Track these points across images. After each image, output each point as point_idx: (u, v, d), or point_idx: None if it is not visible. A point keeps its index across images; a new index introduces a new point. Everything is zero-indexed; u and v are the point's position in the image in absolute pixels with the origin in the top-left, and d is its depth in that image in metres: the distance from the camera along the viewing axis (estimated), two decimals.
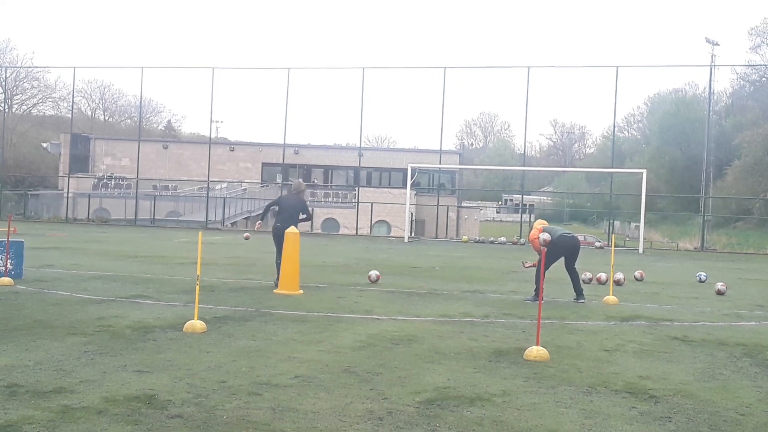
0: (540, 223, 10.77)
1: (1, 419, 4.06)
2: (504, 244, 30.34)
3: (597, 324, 8.44)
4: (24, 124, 53.79)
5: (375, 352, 6.32)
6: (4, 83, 52.96)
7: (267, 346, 6.40)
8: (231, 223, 37.75)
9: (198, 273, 7.28)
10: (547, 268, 10.41)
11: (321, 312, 8.54)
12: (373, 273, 12.22)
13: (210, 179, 37.66)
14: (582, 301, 10.41)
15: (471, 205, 53.38)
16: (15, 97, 57.46)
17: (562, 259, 10.53)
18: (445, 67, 34.29)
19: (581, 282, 10.80)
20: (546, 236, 10.25)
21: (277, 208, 11.56)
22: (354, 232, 35.59)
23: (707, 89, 35.49)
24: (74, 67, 40.02)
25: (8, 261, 10.56)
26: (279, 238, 10.84)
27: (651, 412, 4.71)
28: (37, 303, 8.54)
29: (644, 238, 28.92)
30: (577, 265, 10.65)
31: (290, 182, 43.18)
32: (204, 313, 7.69)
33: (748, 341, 7.53)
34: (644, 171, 29.81)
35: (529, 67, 33.04)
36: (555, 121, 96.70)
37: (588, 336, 7.55)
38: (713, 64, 36.05)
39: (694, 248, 31.40)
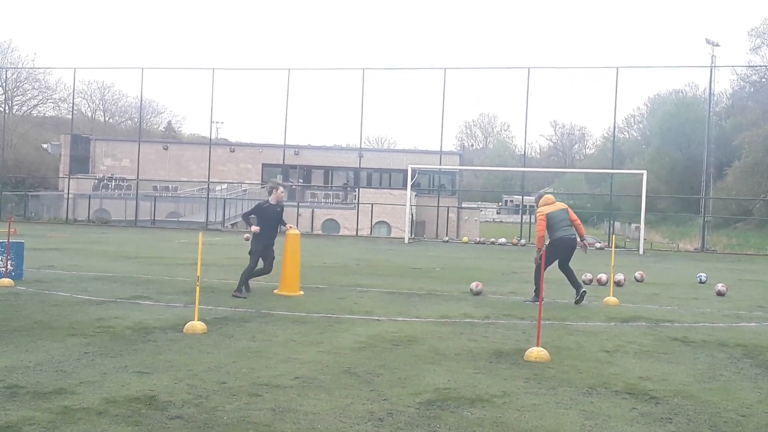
0: (545, 204, 10.26)
1: (2, 420, 4.06)
2: (504, 245, 30.34)
3: (597, 325, 8.43)
4: (24, 125, 53.80)
5: (375, 353, 6.32)
6: (4, 84, 53.03)
7: (267, 347, 6.40)
8: (231, 224, 37.75)
9: (198, 274, 7.28)
10: (545, 268, 10.30)
11: (321, 313, 8.54)
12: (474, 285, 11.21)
13: (210, 180, 37.67)
14: (583, 290, 10.18)
15: (471, 205, 53.40)
16: (15, 98, 57.57)
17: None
18: (445, 68, 34.34)
19: (578, 281, 10.44)
20: (537, 257, 10.11)
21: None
22: (354, 233, 35.59)
23: (707, 90, 35.56)
24: (74, 68, 40.08)
25: (8, 262, 10.56)
26: None
27: (651, 413, 4.71)
28: (37, 304, 8.54)
29: (644, 239, 28.93)
30: (577, 267, 10.62)
31: (290, 183, 43.23)
32: (204, 314, 7.68)
33: (748, 342, 7.53)
34: (644, 172, 29.82)
35: (529, 68, 33.11)
36: (555, 122, 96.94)
37: (588, 337, 7.55)
38: (713, 65, 36.04)
39: (695, 249, 31.40)
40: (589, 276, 13.38)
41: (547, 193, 10.56)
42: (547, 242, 10.26)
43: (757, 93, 54.79)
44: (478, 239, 33.89)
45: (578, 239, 10.51)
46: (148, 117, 67.92)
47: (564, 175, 73.24)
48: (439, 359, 6.15)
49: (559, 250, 10.22)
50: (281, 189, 10.60)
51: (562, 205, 10.41)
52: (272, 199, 10.40)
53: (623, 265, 17.57)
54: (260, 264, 10.24)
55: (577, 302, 10.20)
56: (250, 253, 10.24)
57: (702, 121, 39.67)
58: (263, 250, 10.18)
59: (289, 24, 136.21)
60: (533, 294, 10.40)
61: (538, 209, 10.38)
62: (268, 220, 10.24)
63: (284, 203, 11.08)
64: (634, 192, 39.06)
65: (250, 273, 10.09)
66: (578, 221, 10.39)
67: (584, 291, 10.26)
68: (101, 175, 43.82)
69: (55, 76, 72.92)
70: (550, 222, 10.17)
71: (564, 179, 74.45)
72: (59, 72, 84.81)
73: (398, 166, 41.87)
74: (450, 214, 39.22)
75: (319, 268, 14.70)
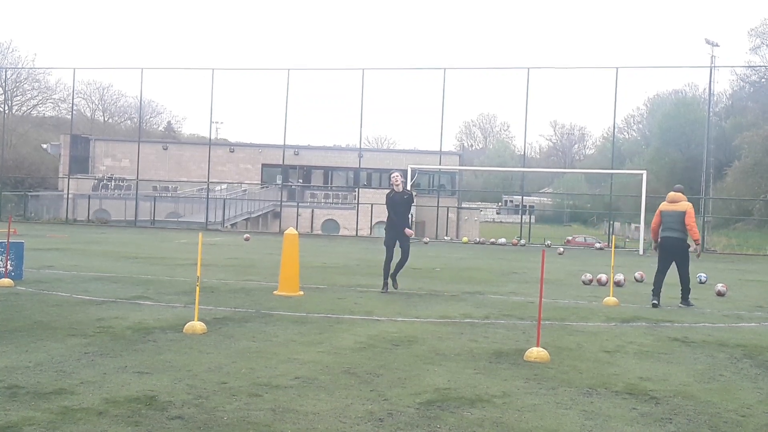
0: (667, 201, 10.45)
1: (2, 420, 4.06)
2: (504, 245, 30.34)
3: (597, 325, 8.43)
4: (24, 125, 53.81)
5: (375, 353, 6.32)
6: (4, 84, 53.02)
7: (267, 348, 6.40)
8: (231, 225, 37.75)
9: (198, 274, 7.28)
10: (659, 268, 10.47)
11: (321, 313, 8.54)
12: None
13: (210, 180, 37.67)
14: (681, 305, 10.32)
15: (471, 206, 53.40)
16: (15, 98, 57.56)
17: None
18: (444, 68, 34.34)
19: (684, 286, 10.45)
20: (652, 246, 10.70)
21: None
22: (354, 233, 35.58)
23: (707, 90, 35.56)
24: (74, 68, 40.10)
25: (8, 262, 10.56)
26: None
27: (651, 414, 4.71)
28: (37, 304, 8.53)
29: (644, 239, 28.91)
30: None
31: (290, 183, 43.20)
32: (204, 315, 7.68)
33: (748, 342, 7.53)
34: (644, 172, 29.82)
35: (528, 68, 33.09)
36: (555, 122, 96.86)
37: (588, 337, 7.55)
38: (713, 65, 36.05)
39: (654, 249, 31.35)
40: (589, 276, 13.40)
41: (675, 189, 10.66)
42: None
43: (756, 93, 54.79)
44: (477, 239, 33.89)
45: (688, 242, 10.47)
46: (148, 117, 67.94)
47: (564, 175, 73.26)
48: (439, 359, 6.15)
49: (661, 249, 10.48)
50: (394, 174, 11.14)
51: (682, 207, 10.32)
52: (395, 187, 10.95)
53: (623, 265, 17.56)
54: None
55: (680, 305, 10.35)
56: (384, 244, 11.01)
57: (702, 122, 39.68)
58: (396, 240, 10.87)
59: (289, 24, 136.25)
60: (686, 297, 10.42)
61: (660, 204, 10.69)
62: (394, 208, 10.88)
63: (408, 193, 11.22)
64: (634, 192, 39.08)
65: (386, 265, 10.82)
66: (690, 225, 10.26)
67: (681, 306, 10.28)
68: (101, 175, 43.83)
69: (54, 77, 73.03)
70: (661, 219, 10.45)
71: (564, 179, 74.46)
72: (59, 72, 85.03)
73: (398, 167, 41.81)
74: (450, 214, 39.22)
75: (319, 269, 14.70)
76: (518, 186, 50.23)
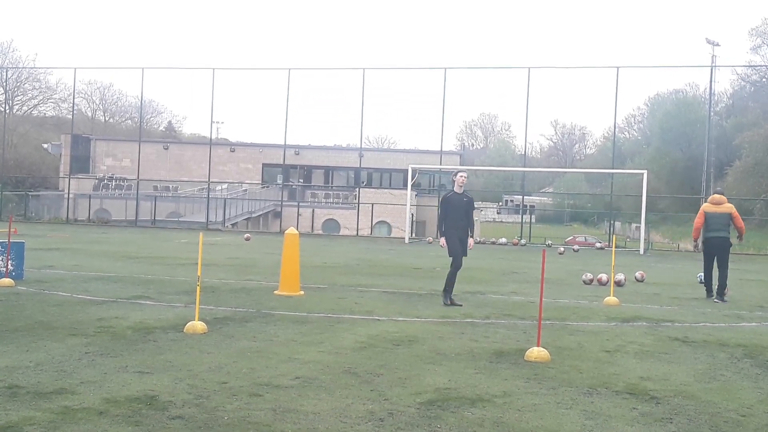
0: (711, 203, 11.25)
1: (2, 420, 4.06)
2: (505, 244, 30.33)
3: (598, 325, 8.43)
4: (25, 125, 53.85)
5: (376, 353, 6.32)
6: (5, 84, 53.04)
7: (268, 347, 6.40)
8: (232, 224, 37.76)
9: (199, 274, 7.28)
10: (705, 267, 11.47)
11: (322, 313, 8.54)
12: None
13: (211, 180, 37.67)
14: (716, 300, 10.97)
15: None
16: (16, 98, 57.61)
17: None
18: (445, 68, 34.30)
19: (722, 283, 11.06)
20: (693, 246, 11.58)
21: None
22: (355, 232, 35.59)
23: (708, 90, 35.61)
24: (75, 68, 40.08)
25: (9, 262, 10.56)
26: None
27: (652, 413, 4.70)
28: (37, 304, 8.54)
29: (645, 239, 28.91)
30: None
31: (291, 183, 43.18)
32: (205, 314, 7.68)
33: (748, 342, 7.53)
34: (645, 172, 29.80)
35: (529, 68, 33.05)
36: (555, 122, 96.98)
37: (589, 337, 7.55)
38: (714, 64, 36.08)
39: (695, 249, 31.35)
40: (589, 276, 13.39)
41: (717, 192, 11.69)
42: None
43: (757, 93, 54.83)
44: (478, 239, 33.91)
45: (730, 240, 11.36)
46: (149, 117, 67.97)
47: (564, 175, 73.26)
48: (440, 359, 6.15)
49: (707, 248, 11.33)
50: (461, 173, 9.83)
51: (726, 209, 11.18)
52: (456, 188, 9.76)
53: (624, 265, 17.55)
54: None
55: (715, 300, 11.04)
56: (449, 255, 9.76)
57: (702, 121, 39.71)
58: (459, 246, 9.66)
59: (289, 24, 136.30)
60: (721, 292, 11.08)
61: (703, 206, 11.64)
62: (448, 210, 9.71)
63: (469, 197, 9.87)
64: (634, 192, 39.05)
65: (451, 275, 9.71)
66: (739, 225, 11.21)
67: (717, 302, 10.90)
68: (102, 175, 43.86)
69: (55, 76, 73.18)
70: (705, 221, 11.20)
71: (564, 179, 74.46)
72: (60, 72, 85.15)
73: (399, 166, 41.91)
74: None
75: (319, 268, 14.70)
76: (519, 186, 50.22)
